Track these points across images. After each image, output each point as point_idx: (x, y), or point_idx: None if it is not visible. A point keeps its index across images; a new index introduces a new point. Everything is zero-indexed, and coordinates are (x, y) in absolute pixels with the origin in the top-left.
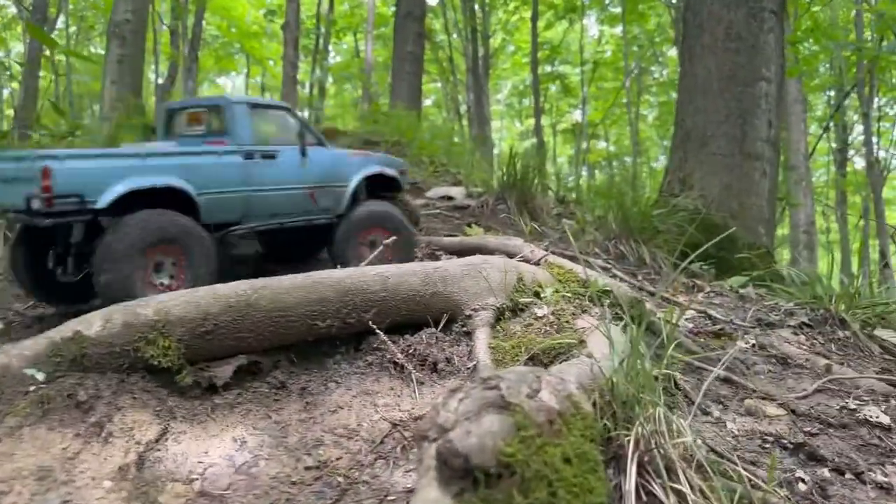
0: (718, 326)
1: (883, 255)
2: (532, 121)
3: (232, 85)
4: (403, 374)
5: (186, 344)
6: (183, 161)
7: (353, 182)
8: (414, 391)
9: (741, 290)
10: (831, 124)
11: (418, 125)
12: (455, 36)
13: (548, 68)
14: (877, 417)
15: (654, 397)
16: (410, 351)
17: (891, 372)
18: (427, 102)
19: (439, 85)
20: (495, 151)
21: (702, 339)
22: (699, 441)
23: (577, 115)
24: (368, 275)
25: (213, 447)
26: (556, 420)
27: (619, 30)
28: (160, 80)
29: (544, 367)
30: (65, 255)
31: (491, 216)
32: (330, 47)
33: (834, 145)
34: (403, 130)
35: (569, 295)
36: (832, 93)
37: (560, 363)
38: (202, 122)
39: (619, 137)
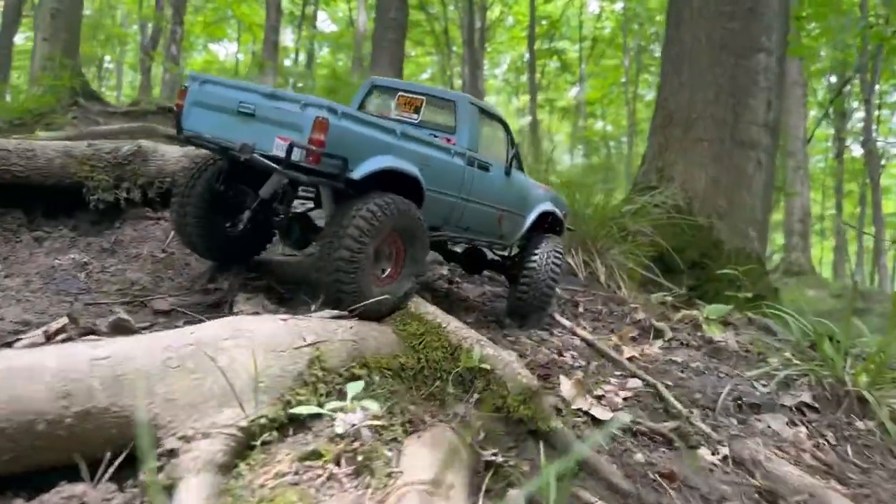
0: (673, 424)
1: None
2: (528, 97)
3: (224, 52)
4: None
5: None
6: (422, 150)
7: (533, 214)
8: None
9: (717, 337)
10: (830, 110)
11: None
12: (452, 7)
13: (546, 44)
14: None
15: None
16: None
17: None
18: (424, 76)
19: (437, 58)
20: None
21: (639, 456)
22: None
23: (573, 93)
24: None
25: None
26: None
27: (619, 6)
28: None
29: None
30: (243, 208)
31: None
32: (324, 14)
33: (832, 131)
34: None
35: (409, 383)
36: (833, 78)
37: None
38: (417, 110)
39: (616, 117)
